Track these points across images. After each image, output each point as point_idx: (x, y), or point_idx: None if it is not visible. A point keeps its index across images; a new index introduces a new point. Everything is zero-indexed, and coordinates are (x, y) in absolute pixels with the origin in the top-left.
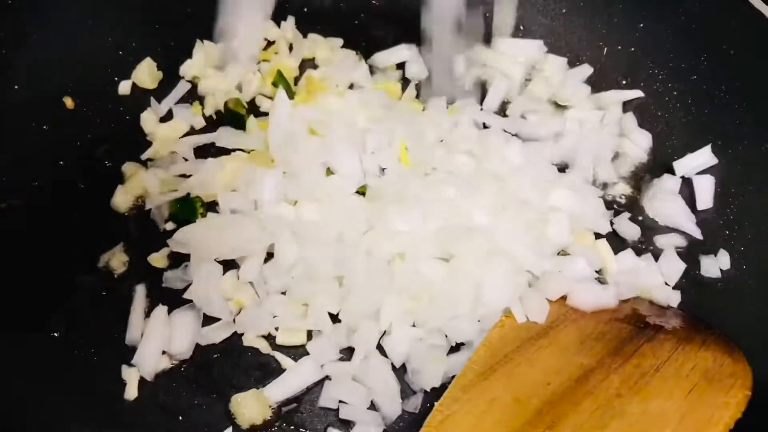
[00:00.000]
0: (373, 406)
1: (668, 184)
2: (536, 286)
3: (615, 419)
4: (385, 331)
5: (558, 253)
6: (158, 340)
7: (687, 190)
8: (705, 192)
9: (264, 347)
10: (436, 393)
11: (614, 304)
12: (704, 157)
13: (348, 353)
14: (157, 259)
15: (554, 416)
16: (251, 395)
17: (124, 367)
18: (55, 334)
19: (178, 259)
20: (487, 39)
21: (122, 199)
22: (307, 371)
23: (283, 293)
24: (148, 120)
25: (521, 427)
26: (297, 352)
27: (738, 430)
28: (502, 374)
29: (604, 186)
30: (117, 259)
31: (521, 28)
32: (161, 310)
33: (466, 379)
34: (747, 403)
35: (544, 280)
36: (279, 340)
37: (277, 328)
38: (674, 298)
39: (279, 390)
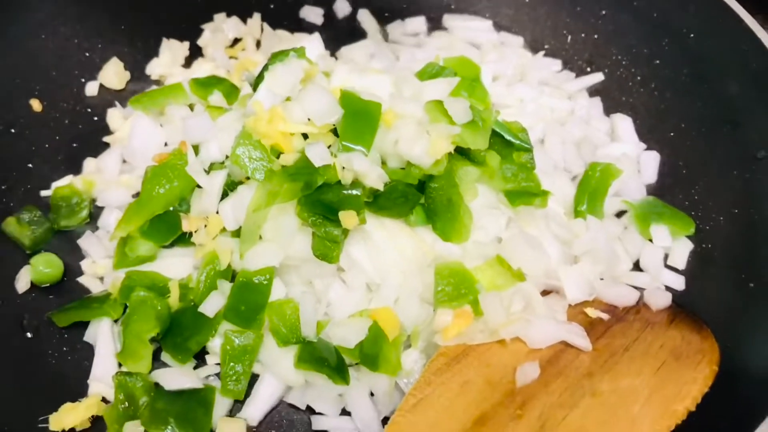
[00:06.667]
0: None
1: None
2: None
3: (585, 398)
4: None
5: None
6: (110, 352)
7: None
8: (650, 166)
9: None
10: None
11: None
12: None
13: None
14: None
15: (525, 396)
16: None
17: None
18: (29, 335)
19: None
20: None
21: None
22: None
23: None
24: (114, 117)
25: (492, 408)
26: None
27: (705, 404)
28: (474, 358)
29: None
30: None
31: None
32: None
33: (439, 364)
34: (714, 377)
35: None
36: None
37: None
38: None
39: (255, 410)
